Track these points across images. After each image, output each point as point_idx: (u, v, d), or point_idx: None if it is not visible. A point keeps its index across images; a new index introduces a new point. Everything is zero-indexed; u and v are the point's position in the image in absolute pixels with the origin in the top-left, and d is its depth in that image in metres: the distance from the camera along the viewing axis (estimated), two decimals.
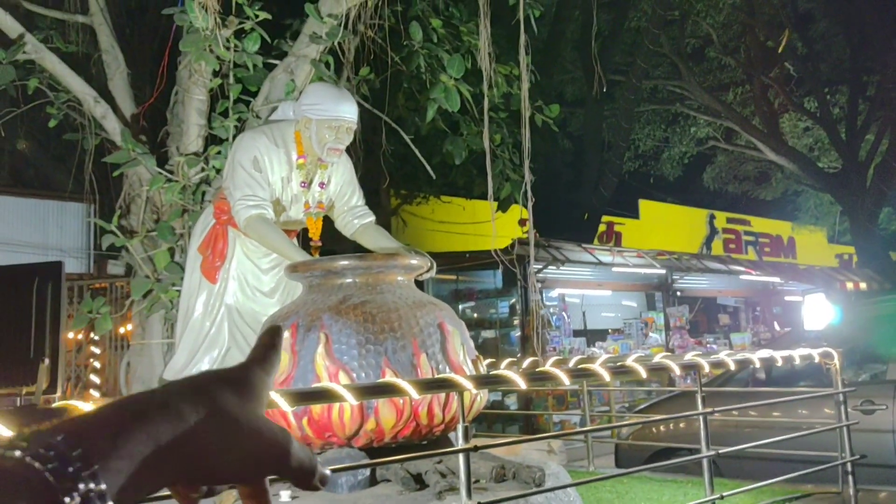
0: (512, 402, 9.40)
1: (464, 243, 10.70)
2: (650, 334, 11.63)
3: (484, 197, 7.18)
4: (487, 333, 9.91)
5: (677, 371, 2.94)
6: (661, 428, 5.84)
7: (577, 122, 16.21)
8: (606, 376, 2.92)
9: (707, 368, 2.98)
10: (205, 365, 3.74)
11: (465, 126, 6.74)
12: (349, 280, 3.25)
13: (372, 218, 3.95)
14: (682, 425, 5.82)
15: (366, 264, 3.24)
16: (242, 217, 3.52)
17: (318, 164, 3.74)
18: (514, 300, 9.52)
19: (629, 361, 3.38)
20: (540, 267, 9.37)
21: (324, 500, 2.89)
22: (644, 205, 17.21)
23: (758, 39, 15.50)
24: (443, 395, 3.05)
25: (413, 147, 5.29)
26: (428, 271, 3.59)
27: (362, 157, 5.02)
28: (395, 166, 9.70)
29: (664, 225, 16.91)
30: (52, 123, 5.25)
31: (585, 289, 11.18)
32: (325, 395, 2.31)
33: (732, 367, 3.62)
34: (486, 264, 9.63)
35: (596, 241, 13.10)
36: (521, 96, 6.96)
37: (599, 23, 12.59)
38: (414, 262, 3.42)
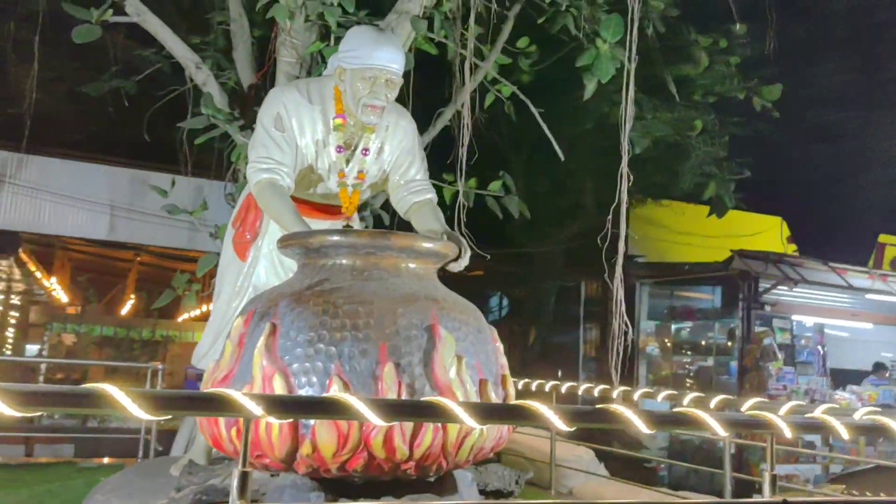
0: None
1: (681, 253, 9.30)
2: None
3: (694, 199, 6.01)
4: (703, 361, 8.44)
5: (788, 432, 1.81)
6: None
7: None
8: (717, 429, 1.81)
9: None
10: None
11: (648, 108, 5.65)
12: (333, 261, 2.58)
13: (430, 195, 3.22)
14: None
15: (349, 241, 2.54)
16: (253, 181, 3.00)
17: (365, 127, 3.10)
18: (734, 325, 7.98)
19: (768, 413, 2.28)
20: (767, 287, 7.75)
21: None
22: None
23: None
24: (410, 424, 2.26)
25: (541, 122, 4.41)
26: (455, 260, 2.79)
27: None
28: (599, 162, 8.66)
29: None
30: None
31: (834, 317, 9.13)
32: (196, 403, 1.67)
33: None
34: (703, 279, 8.24)
35: (871, 263, 10.77)
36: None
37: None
38: (426, 245, 2.64)
